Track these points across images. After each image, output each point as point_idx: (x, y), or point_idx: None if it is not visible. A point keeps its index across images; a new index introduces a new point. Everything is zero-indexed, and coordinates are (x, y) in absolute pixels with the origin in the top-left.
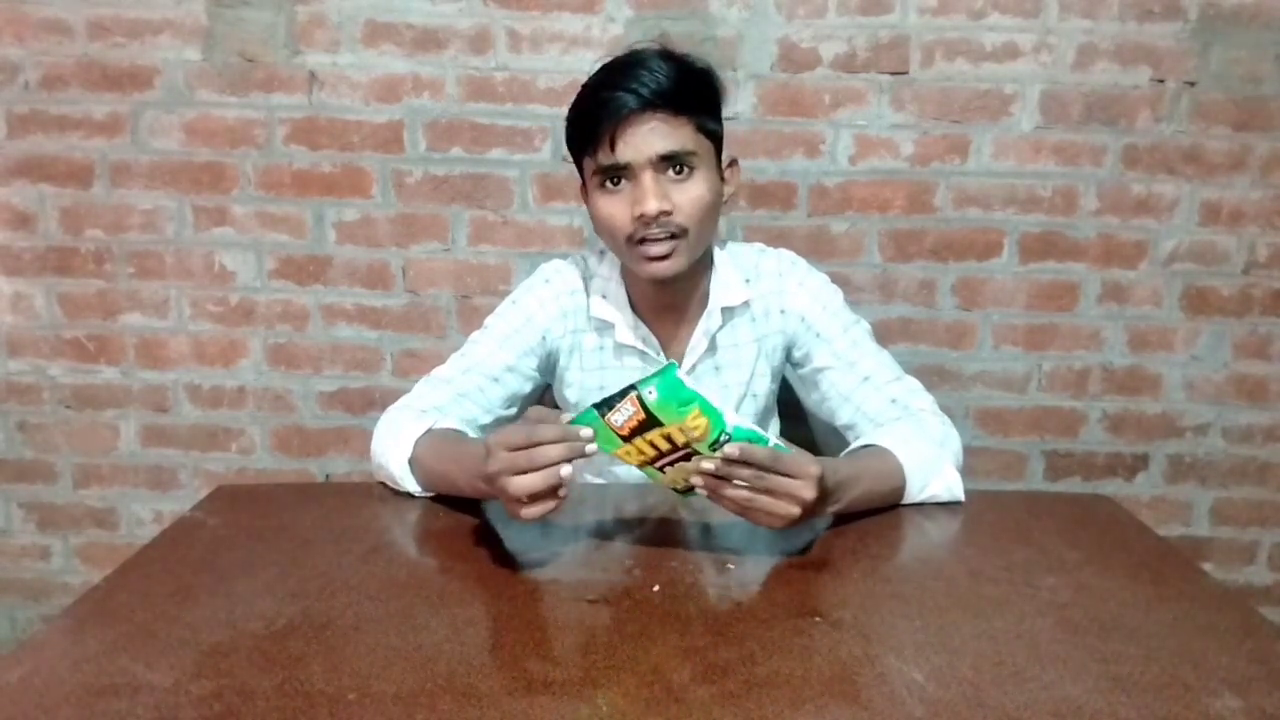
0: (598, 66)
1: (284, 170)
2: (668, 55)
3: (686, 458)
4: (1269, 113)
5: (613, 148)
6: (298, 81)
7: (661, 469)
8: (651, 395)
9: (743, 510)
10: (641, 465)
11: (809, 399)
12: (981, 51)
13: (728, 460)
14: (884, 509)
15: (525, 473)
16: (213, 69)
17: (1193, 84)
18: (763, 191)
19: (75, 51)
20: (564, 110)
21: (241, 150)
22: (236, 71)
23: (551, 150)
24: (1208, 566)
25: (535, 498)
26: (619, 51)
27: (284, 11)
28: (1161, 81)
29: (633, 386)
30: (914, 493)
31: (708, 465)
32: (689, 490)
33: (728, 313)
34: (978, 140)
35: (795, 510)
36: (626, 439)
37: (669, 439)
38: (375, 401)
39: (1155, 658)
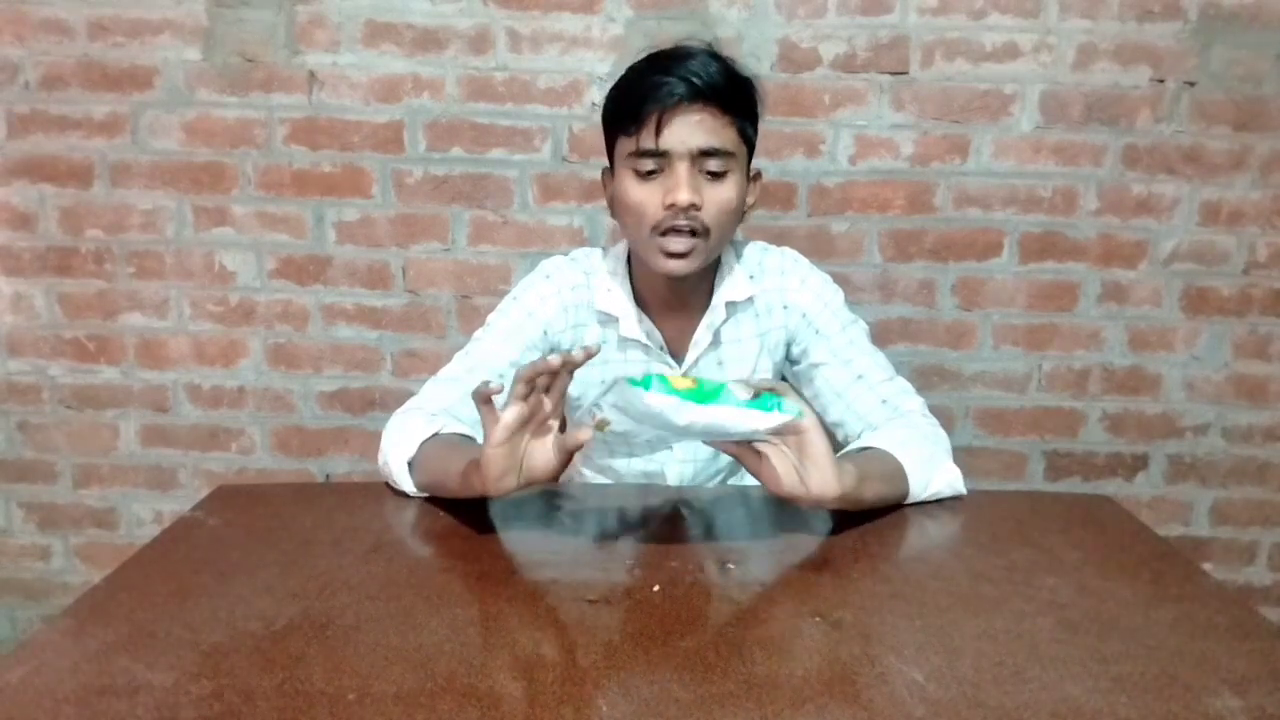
0: (644, 55)
1: (284, 170)
2: (718, 56)
3: None
4: (1269, 113)
5: (657, 133)
6: (298, 81)
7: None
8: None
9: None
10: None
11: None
12: (981, 51)
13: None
14: (886, 508)
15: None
16: (213, 69)
17: (1193, 84)
18: (763, 191)
19: (75, 51)
20: (564, 110)
21: (241, 150)
22: (236, 71)
23: (551, 150)
24: (1208, 566)
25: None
26: (621, 52)
27: (284, 11)
28: (1161, 81)
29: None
30: (918, 492)
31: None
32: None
33: (731, 307)
34: (978, 140)
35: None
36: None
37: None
38: (375, 401)
39: (1155, 658)
